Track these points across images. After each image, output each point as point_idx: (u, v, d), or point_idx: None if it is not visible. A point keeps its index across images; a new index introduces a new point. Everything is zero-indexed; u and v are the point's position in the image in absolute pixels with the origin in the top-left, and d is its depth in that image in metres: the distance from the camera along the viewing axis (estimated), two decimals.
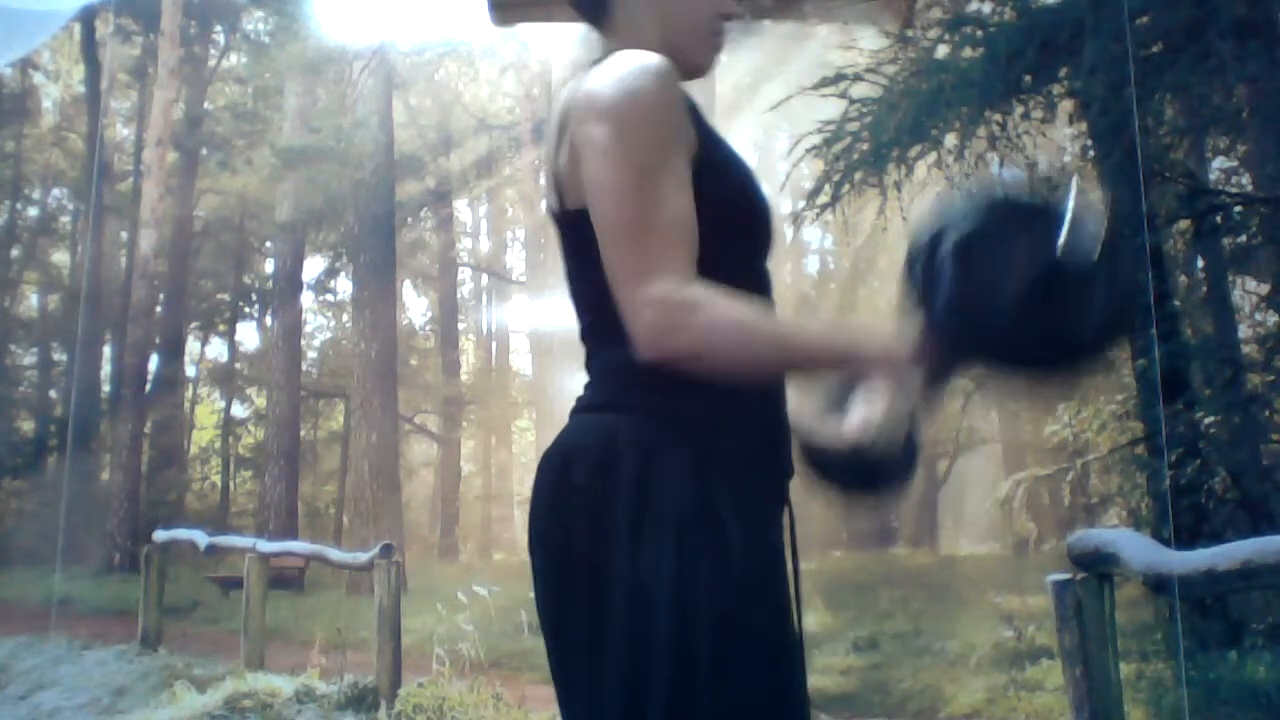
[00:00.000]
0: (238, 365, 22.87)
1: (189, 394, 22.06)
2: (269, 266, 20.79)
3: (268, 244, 20.63)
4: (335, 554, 7.19)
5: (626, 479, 1.13)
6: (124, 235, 20.28)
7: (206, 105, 20.43)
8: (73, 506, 15.17)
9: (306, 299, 18.96)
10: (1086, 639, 2.70)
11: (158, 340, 18.31)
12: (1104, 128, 6.11)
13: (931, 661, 7.04)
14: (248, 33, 19.71)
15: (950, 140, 6.54)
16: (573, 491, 1.16)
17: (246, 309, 22.67)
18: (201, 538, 7.88)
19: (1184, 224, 7.06)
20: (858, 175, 6.58)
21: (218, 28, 20.19)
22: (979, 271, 1.06)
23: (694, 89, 1.27)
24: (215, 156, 19.16)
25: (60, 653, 7.21)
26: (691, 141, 1.19)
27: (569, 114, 1.20)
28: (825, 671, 6.76)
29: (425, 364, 23.07)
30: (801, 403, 1.28)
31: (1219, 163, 9.76)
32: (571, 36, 8.97)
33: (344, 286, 19.74)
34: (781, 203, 11.97)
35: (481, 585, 6.21)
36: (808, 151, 6.69)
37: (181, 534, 8.32)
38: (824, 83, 6.62)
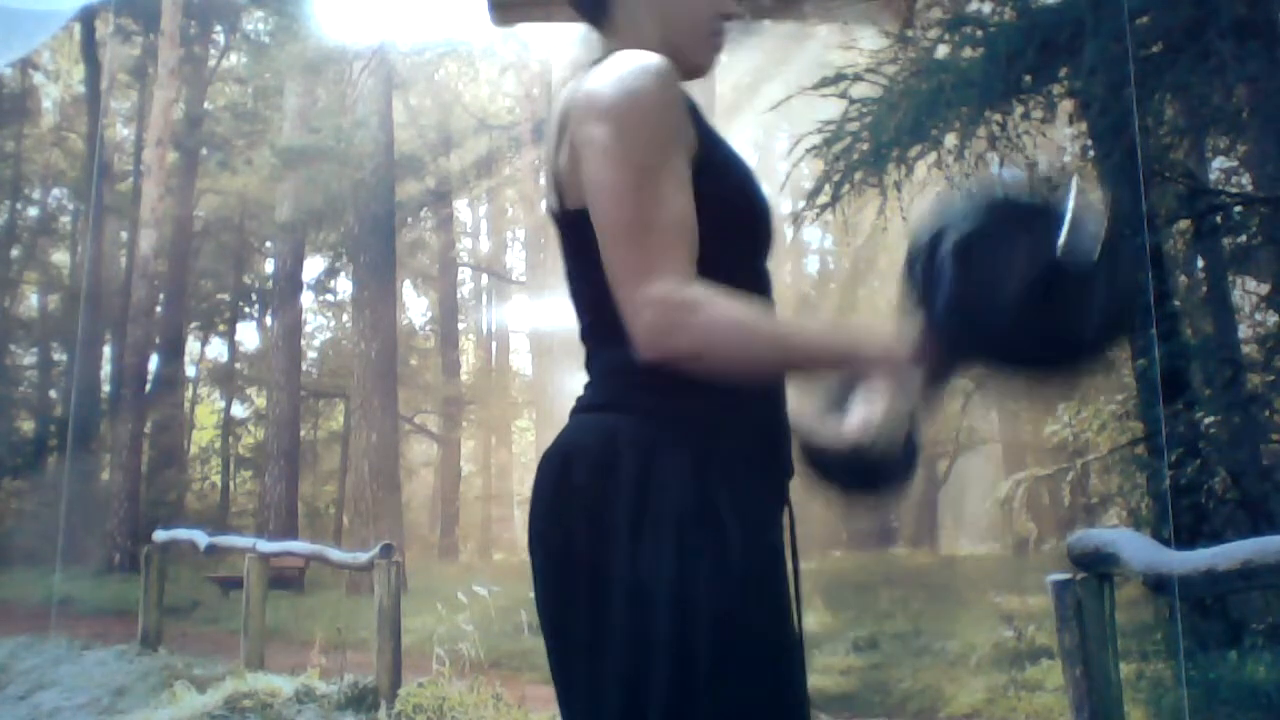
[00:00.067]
0: (238, 365, 22.87)
1: (189, 394, 22.07)
2: (269, 266, 20.79)
3: (268, 244, 20.63)
4: (335, 554, 7.19)
5: (626, 479, 1.13)
6: (124, 235, 20.28)
7: (206, 105, 20.43)
8: (73, 506, 15.17)
9: (306, 299, 18.97)
10: (1086, 639, 2.70)
11: (158, 340, 18.31)
12: (1104, 128, 6.11)
13: (931, 661, 7.04)
14: (248, 33, 19.71)
15: (950, 140, 6.54)
16: (573, 491, 1.16)
17: (246, 309, 22.68)
18: (201, 538, 7.88)
19: (1184, 224, 7.06)
20: (858, 175, 6.58)
21: (218, 28, 20.19)
22: (979, 271, 1.05)
23: (694, 89, 1.27)
24: (215, 156, 19.17)
25: (60, 653, 7.21)
26: (691, 141, 1.19)
27: (569, 114, 1.20)
28: (825, 671, 6.75)
29: (425, 364, 23.07)
30: (801, 403, 1.28)
31: (1219, 163, 9.76)
32: (571, 36, 8.97)
33: (344, 286, 19.76)
34: (781, 203, 11.97)
35: (481, 585, 6.21)
36: (808, 151, 6.69)
37: (181, 534, 8.32)
38: (824, 83, 6.62)
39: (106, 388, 18.77)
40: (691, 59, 1.30)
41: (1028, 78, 6.16)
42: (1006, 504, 10.16)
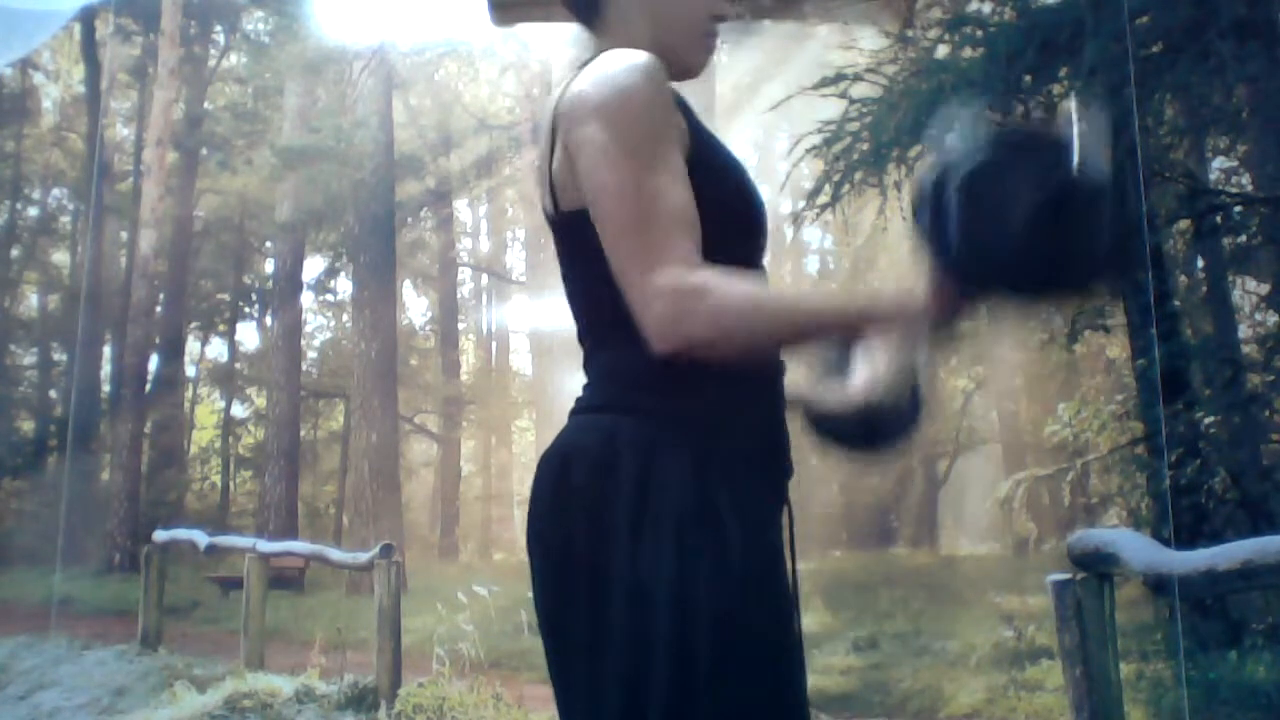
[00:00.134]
0: (238, 365, 22.88)
1: (189, 394, 22.08)
2: (269, 266, 20.81)
3: (268, 244, 20.65)
4: (335, 554, 7.19)
5: (626, 479, 1.13)
6: (124, 235, 20.30)
7: (206, 105, 20.44)
8: (73, 506, 15.19)
9: (306, 299, 18.99)
10: (1086, 639, 2.70)
11: (158, 340, 18.32)
12: None
13: (931, 661, 7.04)
14: (248, 33, 19.72)
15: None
16: (572, 492, 1.16)
17: (246, 309, 22.70)
18: (201, 538, 7.88)
19: (1184, 224, 7.06)
20: (858, 175, 6.58)
21: (218, 28, 20.20)
22: (987, 202, 1.05)
23: (693, 89, 1.27)
24: (215, 156, 19.17)
25: (60, 653, 7.21)
26: (684, 137, 1.19)
27: (560, 116, 1.20)
28: (825, 671, 6.76)
29: (425, 364, 23.08)
30: (795, 374, 1.28)
31: (1219, 163, 9.77)
32: (571, 36, 8.97)
33: (344, 286, 19.77)
34: (781, 203, 11.98)
35: (481, 585, 6.20)
36: (808, 151, 6.69)
37: (181, 534, 8.32)
38: (824, 83, 6.61)
39: (106, 388, 18.78)
40: (683, 59, 1.30)
41: (1028, 78, 6.16)
42: (1006, 504, 10.15)
